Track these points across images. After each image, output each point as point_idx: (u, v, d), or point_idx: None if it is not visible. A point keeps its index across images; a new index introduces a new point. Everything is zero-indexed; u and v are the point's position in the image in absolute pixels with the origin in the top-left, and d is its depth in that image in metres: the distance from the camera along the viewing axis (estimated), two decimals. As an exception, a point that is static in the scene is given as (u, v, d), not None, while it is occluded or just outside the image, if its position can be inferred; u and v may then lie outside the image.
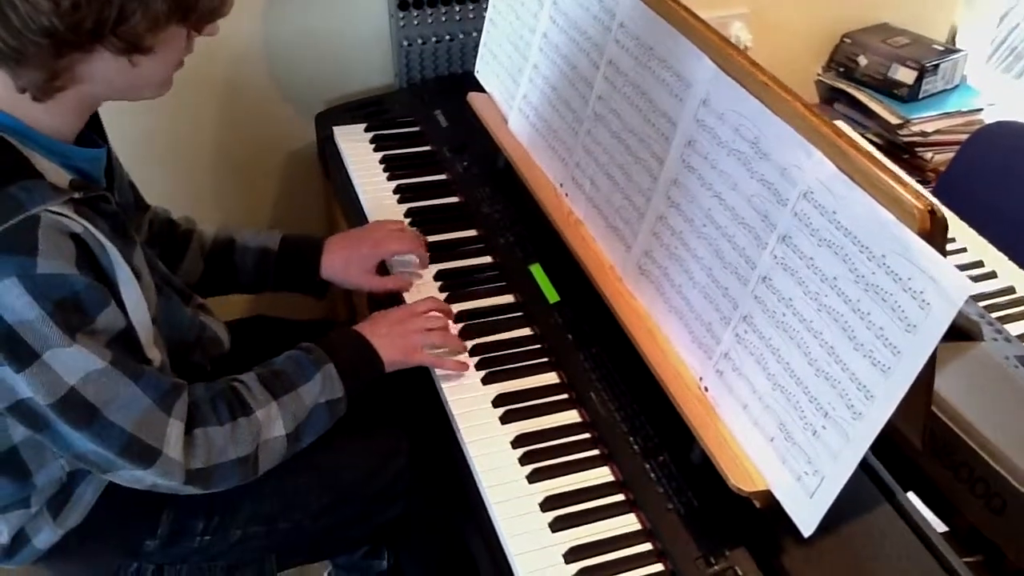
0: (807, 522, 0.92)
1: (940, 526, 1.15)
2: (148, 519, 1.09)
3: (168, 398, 0.96)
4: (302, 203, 1.95)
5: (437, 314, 1.24)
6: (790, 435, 0.94)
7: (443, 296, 1.33)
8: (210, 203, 1.91)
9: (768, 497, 0.97)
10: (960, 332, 1.28)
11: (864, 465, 1.10)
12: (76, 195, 0.89)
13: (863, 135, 2.11)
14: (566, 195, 1.35)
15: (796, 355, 0.94)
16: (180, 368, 1.09)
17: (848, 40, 2.17)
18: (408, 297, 1.33)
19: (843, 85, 2.18)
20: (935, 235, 0.82)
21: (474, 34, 1.74)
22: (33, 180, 0.86)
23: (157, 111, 1.74)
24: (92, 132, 1.02)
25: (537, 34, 1.42)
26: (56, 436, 0.93)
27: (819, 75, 2.25)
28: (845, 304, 0.88)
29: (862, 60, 2.14)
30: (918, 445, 1.05)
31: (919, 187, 0.84)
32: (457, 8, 1.78)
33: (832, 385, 0.90)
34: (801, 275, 0.93)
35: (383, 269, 1.37)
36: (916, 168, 2.06)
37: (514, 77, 1.49)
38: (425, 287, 1.35)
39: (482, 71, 1.62)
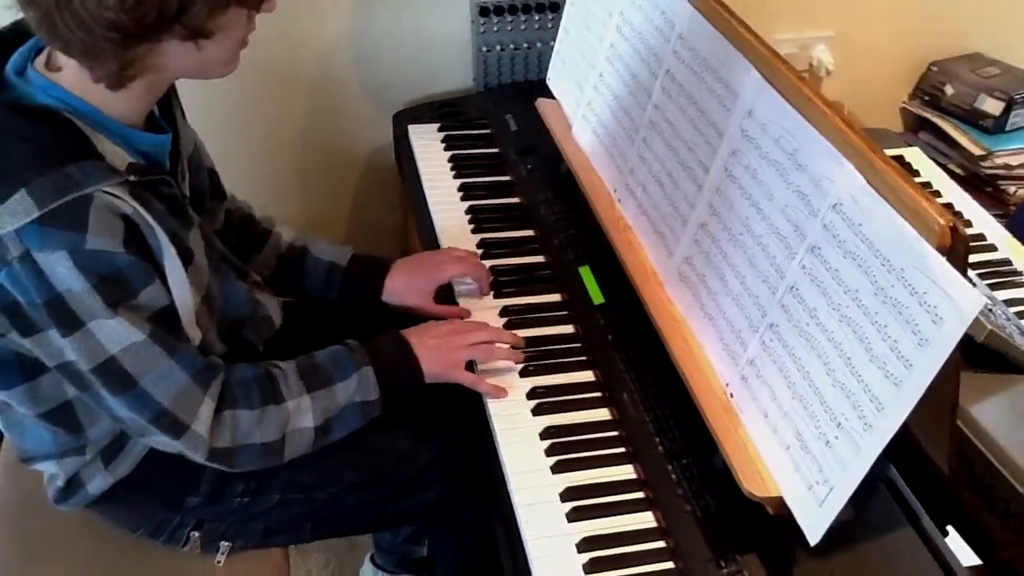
0: (814, 530, 0.92)
1: (973, 559, 1.13)
2: (192, 476, 1.15)
3: (203, 376, 1.02)
4: (379, 197, 2.03)
5: (486, 333, 1.24)
6: (805, 444, 0.95)
7: (491, 292, 1.37)
8: (294, 194, 2.00)
9: (780, 504, 0.98)
10: (1013, 365, 1.26)
11: (892, 487, 1.11)
12: (131, 177, 0.95)
13: (945, 165, 2.07)
14: (619, 201, 1.38)
15: (816, 365, 0.95)
16: (232, 344, 1.16)
17: (935, 68, 2.13)
18: (459, 296, 1.37)
19: (928, 114, 2.14)
20: (955, 251, 0.82)
21: (550, 43, 1.78)
22: (92, 161, 0.92)
23: (248, 106, 1.86)
24: (163, 118, 1.09)
25: (605, 43, 1.45)
26: (97, 398, 1.00)
27: (904, 103, 2.21)
28: (864, 316, 0.89)
29: (948, 89, 2.10)
30: (944, 469, 1.04)
31: (940, 206, 0.84)
32: (536, 17, 1.83)
33: (847, 395, 0.90)
34: (826, 286, 0.94)
35: (448, 294, 1.39)
36: (998, 201, 2.01)
37: (581, 85, 1.53)
38: (486, 311, 1.36)
39: (553, 78, 1.66)
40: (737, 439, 1.04)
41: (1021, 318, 1.40)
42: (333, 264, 1.36)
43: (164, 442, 1.04)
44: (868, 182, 0.90)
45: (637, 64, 1.35)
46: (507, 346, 1.24)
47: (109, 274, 0.92)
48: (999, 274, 1.51)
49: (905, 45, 2.14)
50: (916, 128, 2.21)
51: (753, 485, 0.99)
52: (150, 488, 1.15)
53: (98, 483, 1.13)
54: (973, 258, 1.51)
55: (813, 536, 0.92)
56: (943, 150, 2.12)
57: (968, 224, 1.62)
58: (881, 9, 2.07)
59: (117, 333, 0.94)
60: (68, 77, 0.95)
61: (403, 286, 1.36)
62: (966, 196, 1.69)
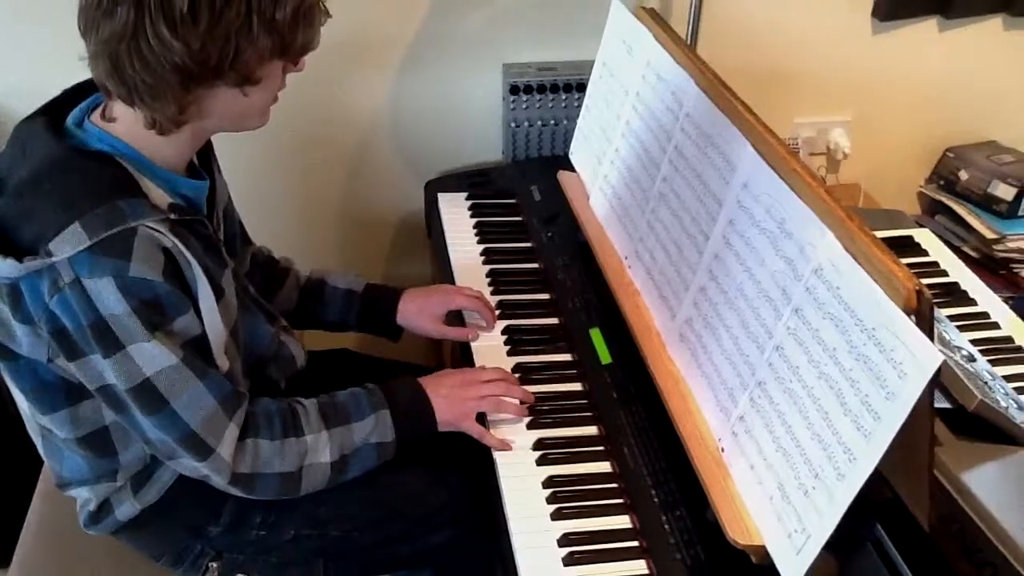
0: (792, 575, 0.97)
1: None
2: (214, 505, 1.23)
3: (230, 402, 1.11)
4: (409, 259, 2.14)
5: (499, 385, 1.31)
6: (786, 494, 1.00)
7: (506, 349, 1.45)
8: (330, 254, 2.12)
9: (764, 553, 1.03)
10: (1007, 436, 1.30)
11: (878, 545, 1.15)
12: (172, 216, 1.05)
13: (960, 248, 2.12)
14: (629, 267, 1.46)
15: (797, 419, 1.01)
16: (256, 380, 1.24)
17: (952, 154, 2.21)
18: (476, 352, 1.45)
19: (944, 198, 2.21)
20: (921, 313, 0.88)
21: (575, 120, 1.89)
22: (138, 199, 1.03)
23: (293, 170, 1.99)
24: (202, 166, 1.20)
25: (621, 121, 1.55)
26: (132, 420, 1.08)
27: (922, 186, 2.28)
28: (840, 372, 0.95)
29: (964, 174, 2.16)
30: (924, 525, 1.08)
31: (908, 271, 0.91)
32: (563, 96, 1.94)
33: (823, 447, 0.96)
34: (807, 345, 1.01)
35: (458, 321, 1.51)
36: (1012, 284, 2.05)
37: (599, 158, 1.63)
38: (491, 340, 1.47)
39: (575, 152, 1.76)
40: (726, 491, 1.10)
41: (1021, 393, 1.44)
42: (350, 291, 1.47)
43: (190, 465, 1.12)
44: (845, 248, 0.97)
45: (649, 140, 1.45)
46: (516, 401, 1.31)
47: (149, 300, 1.01)
48: (1001, 351, 1.55)
49: (922, 131, 2.22)
50: (933, 211, 2.27)
51: (738, 534, 1.04)
52: (174, 516, 1.23)
53: (126, 509, 1.21)
54: (974, 335, 1.56)
55: (791, 582, 0.97)
56: (959, 233, 2.17)
57: (972, 302, 1.67)
58: (898, 96, 2.16)
59: (153, 356, 1.03)
60: (120, 127, 1.07)
61: (416, 309, 1.47)
62: (972, 275, 1.74)
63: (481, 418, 1.30)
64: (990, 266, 2.09)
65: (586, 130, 1.72)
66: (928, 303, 0.88)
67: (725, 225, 1.20)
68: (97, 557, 1.31)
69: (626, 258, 1.48)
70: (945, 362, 1.16)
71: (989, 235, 2.08)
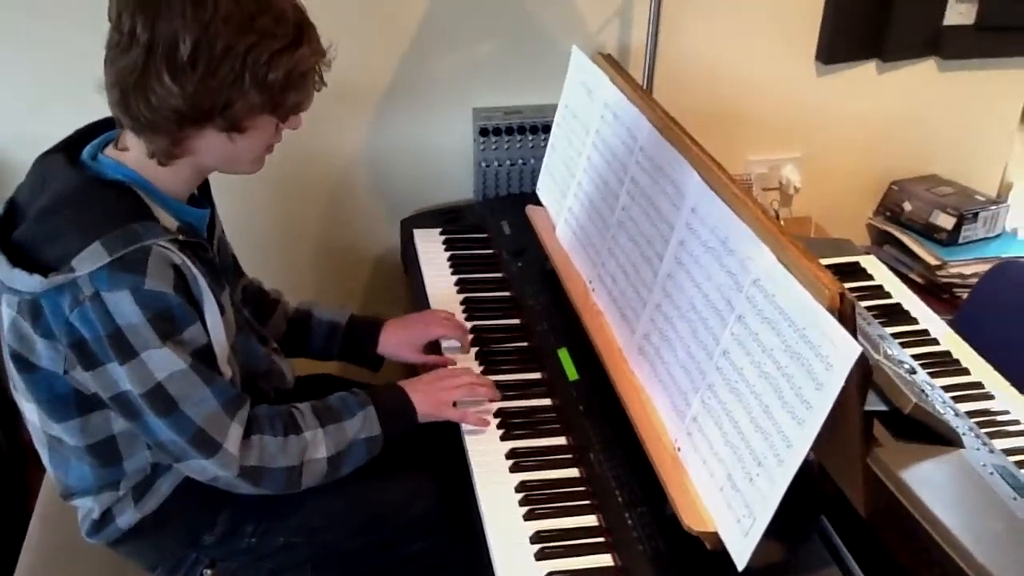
0: (741, 556, 1.07)
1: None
2: (208, 515, 1.32)
3: (233, 404, 1.21)
4: (386, 293, 2.24)
5: (469, 377, 1.45)
6: (735, 483, 1.11)
7: (480, 369, 1.55)
8: (309, 287, 2.21)
9: (716, 539, 1.13)
10: (941, 438, 1.41)
11: (823, 535, 1.25)
12: (180, 237, 1.16)
13: (907, 275, 2.26)
14: (592, 290, 1.57)
15: (743, 415, 1.11)
16: (249, 393, 1.34)
17: (896, 187, 2.36)
18: (451, 370, 1.56)
19: (890, 228, 2.35)
20: (844, 312, 1.00)
21: (541, 159, 2.02)
22: (151, 221, 1.14)
23: (273, 209, 2.09)
24: (203, 197, 1.32)
25: (583, 157, 1.68)
26: (144, 424, 1.18)
27: (870, 218, 2.42)
28: (778, 369, 1.06)
29: (907, 206, 2.31)
30: (862, 513, 1.19)
31: (832, 276, 1.03)
32: (530, 137, 2.07)
33: (766, 438, 1.07)
34: (749, 347, 1.12)
35: (434, 349, 1.61)
36: (954, 307, 2.18)
37: (564, 192, 1.75)
38: (466, 362, 1.57)
39: (541, 188, 1.88)
40: (682, 486, 1.20)
41: (957, 401, 1.56)
42: (334, 323, 1.59)
43: (200, 466, 1.21)
44: (779, 260, 1.09)
45: (608, 173, 1.57)
46: (488, 387, 1.44)
47: (161, 311, 1.12)
48: (938, 364, 1.67)
49: (868, 166, 2.37)
50: (881, 241, 2.41)
51: (693, 522, 1.15)
52: (171, 525, 1.31)
53: (127, 517, 1.29)
54: (915, 350, 1.69)
55: (740, 561, 1.07)
56: (905, 261, 2.31)
57: (914, 321, 1.80)
58: (844, 134, 2.32)
59: (164, 361, 1.13)
60: (131, 156, 1.19)
61: (396, 341, 1.59)
62: (914, 297, 1.87)
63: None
64: (934, 291, 2.23)
65: (551, 167, 1.85)
66: (850, 303, 1.00)
67: (676, 246, 1.31)
68: (96, 569, 1.38)
69: (590, 282, 1.59)
70: (884, 369, 1.29)
71: (932, 262, 2.22)
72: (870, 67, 2.24)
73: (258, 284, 1.60)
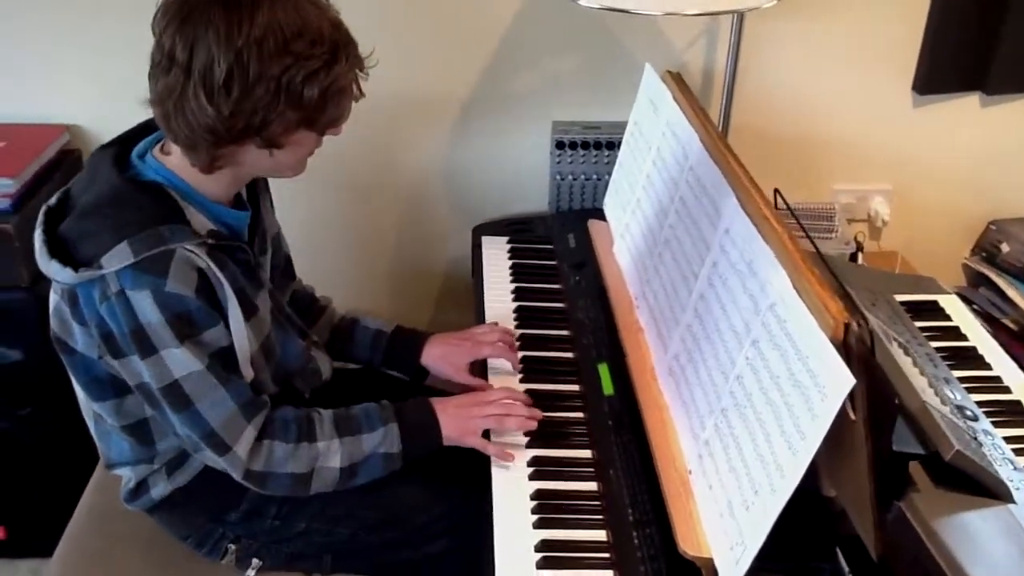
0: (730, 585, 1.05)
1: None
2: (235, 494, 1.37)
3: (249, 407, 1.25)
4: (457, 300, 2.28)
5: (500, 407, 1.40)
6: (732, 510, 1.09)
7: (520, 376, 1.56)
8: (383, 293, 2.29)
9: (711, 566, 1.10)
10: (988, 490, 1.34)
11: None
12: (210, 241, 1.20)
13: (1000, 320, 2.14)
14: (637, 307, 1.57)
15: (747, 441, 1.09)
16: (283, 390, 1.39)
17: (994, 227, 2.24)
18: (491, 375, 1.56)
19: (986, 270, 2.23)
20: (848, 343, 0.97)
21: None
22: (179, 225, 1.17)
23: (352, 214, 2.17)
24: (250, 199, 1.36)
25: (643, 174, 1.67)
26: (164, 415, 1.24)
27: (966, 258, 2.31)
28: (782, 398, 1.04)
29: (1004, 247, 2.19)
30: (873, 556, 1.14)
31: (842, 306, 0.99)
32: (606, 153, 2.07)
33: (764, 466, 1.04)
34: (760, 374, 1.09)
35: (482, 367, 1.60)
36: (1049, 359, 2.05)
37: (624, 208, 1.75)
38: (508, 366, 1.58)
39: (607, 203, 1.88)
40: (686, 509, 1.18)
41: (1019, 455, 1.47)
42: (379, 331, 1.59)
43: (212, 458, 1.27)
44: (794, 286, 1.06)
45: (663, 191, 1.56)
46: (521, 415, 1.40)
47: (181, 313, 1.17)
48: (1006, 412, 1.58)
49: (965, 203, 2.26)
50: (977, 283, 2.29)
51: (689, 546, 1.13)
52: (200, 499, 1.38)
53: (160, 489, 1.36)
54: (983, 396, 1.60)
55: (729, 591, 1.05)
56: (999, 305, 2.18)
57: (987, 367, 1.71)
58: (940, 168, 2.22)
59: (182, 361, 1.18)
60: (174, 160, 1.24)
61: (442, 354, 1.57)
62: (992, 343, 1.77)
63: (487, 436, 1.40)
64: (1028, 339, 2.10)
65: (617, 183, 1.84)
66: (856, 335, 0.97)
67: (710, 267, 1.30)
68: (135, 536, 1.47)
69: (635, 299, 1.58)
70: (931, 412, 1.24)
71: (1026, 307, 2.10)
72: (972, 99, 2.14)
73: (310, 290, 1.64)
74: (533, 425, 1.41)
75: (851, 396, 0.98)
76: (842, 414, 1.01)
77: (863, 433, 1.02)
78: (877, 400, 1.04)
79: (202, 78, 1.11)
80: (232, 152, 1.20)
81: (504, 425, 1.40)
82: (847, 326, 0.97)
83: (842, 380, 0.93)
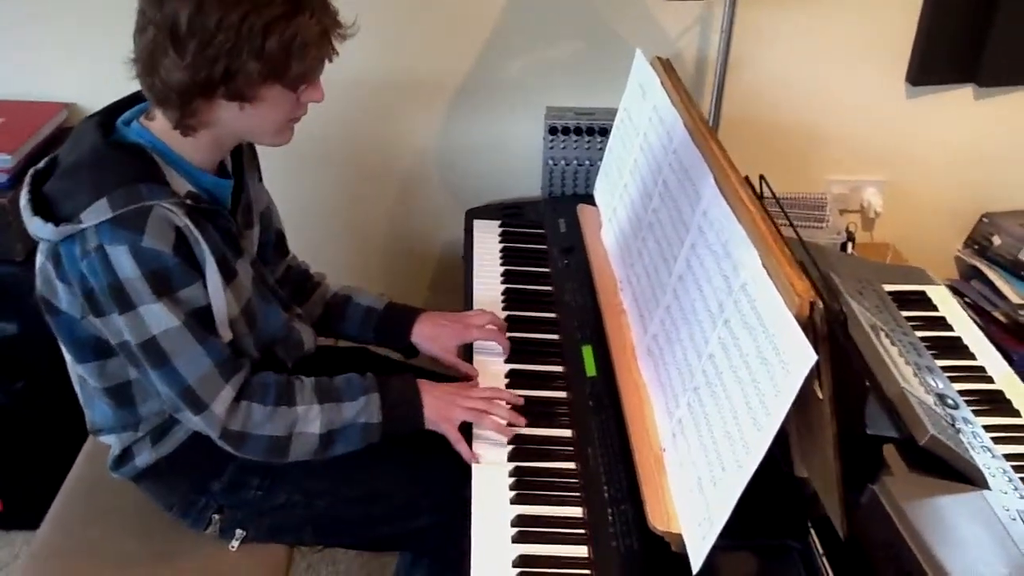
0: (697, 558, 1.06)
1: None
2: (218, 464, 1.39)
3: (227, 366, 1.27)
4: (450, 281, 2.30)
5: (485, 404, 1.40)
6: (702, 487, 1.10)
7: (504, 356, 1.58)
8: (377, 273, 2.30)
9: (680, 541, 1.12)
10: (961, 476, 1.35)
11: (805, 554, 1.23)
12: (187, 202, 1.23)
13: (990, 312, 2.15)
14: (621, 290, 1.58)
15: (717, 419, 1.11)
16: (266, 359, 1.41)
17: (986, 219, 2.24)
18: (477, 355, 1.58)
19: (977, 262, 2.24)
20: (813, 320, 0.98)
21: (606, 161, 2.03)
22: (158, 184, 1.20)
23: (346, 194, 2.19)
24: (235, 171, 1.38)
25: (631, 159, 1.69)
26: (144, 372, 1.26)
27: (959, 251, 2.31)
28: (750, 376, 1.05)
29: (996, 240, 2.20)
30: (841, 535, 1.15)
31: (808, 285, 1.01)
32: (598, 139, 2.08)
33: (731, 443, 1.06)
34: (731, 352, 1.11)
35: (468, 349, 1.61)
36: (1035, 349, 2.06)
37: (612, 193, 1.76)
38: (493, 347, 1.60)
39: (597, 188, 1.90)
40: (659, 487, 1.20)
41: (998, 443, 1.48)
42: (371, 308, 1.61)
43: (190, 418, 1.28)
44: (764, 266, 1.07)
45: (648, 175, 1.57)
46: (501, 420, 1.40)
47: (158, 269, 1.19)
48: (987, 402, 1.59)
49: (958, 195, 2.27)
50: (969, 276, 2.29)
51: (659, 522, 1.14)
52: (183, 469, 1.40)
53: (144, 457, 1.39)
54: (965, 386, 1.61)
55: (695, 563, 1.06)
56: (990, 297, 2.19)
57: (971, 357, 1.72)
58: (933, 160, 2.22)
59: (158, 317, 1.20)
60: (156, 126, 1.27)
61: (431, 334, 1.59)
62: (979, 334, 1.78)
63: (468, 429, 1.40)
64: (1017, 331, 2.11)
65: (607, 168, 1.86)
66: (820, 313, 0.98)
67: (688, 249, 1.31)
68: (123, 505, 1.49)
69: (620, 281, 1.60)
70: (908, 398, 1.25)
71: (1016, 300, 2.10)
72: (966, 91, 2.14)
73: (304, 266, 1.66)
74: (508, 433, 1.40)
75: (819, 375, 1.00)
76: (810, 392, 1.02)
77: (828, 414, 1.04)
78: (844, 379, 1.05)
79: (168, 29, 1.15)
80: (203, 109, 1.22)
81: (481, 422, 1.40)
82: (812, 304, 0.98)
83: (804, 356, 0.94)
